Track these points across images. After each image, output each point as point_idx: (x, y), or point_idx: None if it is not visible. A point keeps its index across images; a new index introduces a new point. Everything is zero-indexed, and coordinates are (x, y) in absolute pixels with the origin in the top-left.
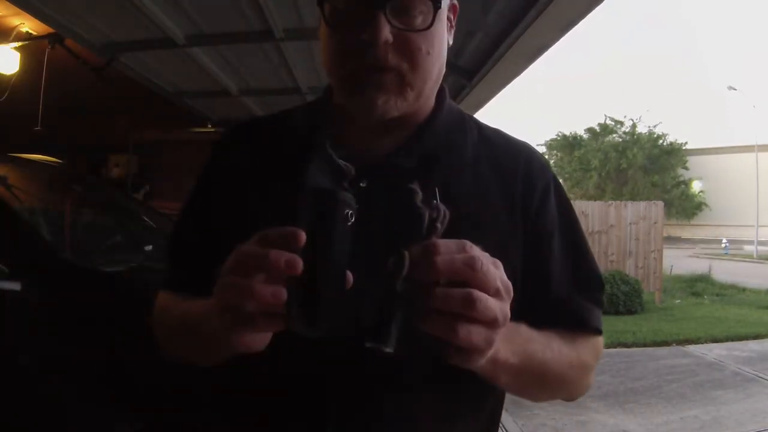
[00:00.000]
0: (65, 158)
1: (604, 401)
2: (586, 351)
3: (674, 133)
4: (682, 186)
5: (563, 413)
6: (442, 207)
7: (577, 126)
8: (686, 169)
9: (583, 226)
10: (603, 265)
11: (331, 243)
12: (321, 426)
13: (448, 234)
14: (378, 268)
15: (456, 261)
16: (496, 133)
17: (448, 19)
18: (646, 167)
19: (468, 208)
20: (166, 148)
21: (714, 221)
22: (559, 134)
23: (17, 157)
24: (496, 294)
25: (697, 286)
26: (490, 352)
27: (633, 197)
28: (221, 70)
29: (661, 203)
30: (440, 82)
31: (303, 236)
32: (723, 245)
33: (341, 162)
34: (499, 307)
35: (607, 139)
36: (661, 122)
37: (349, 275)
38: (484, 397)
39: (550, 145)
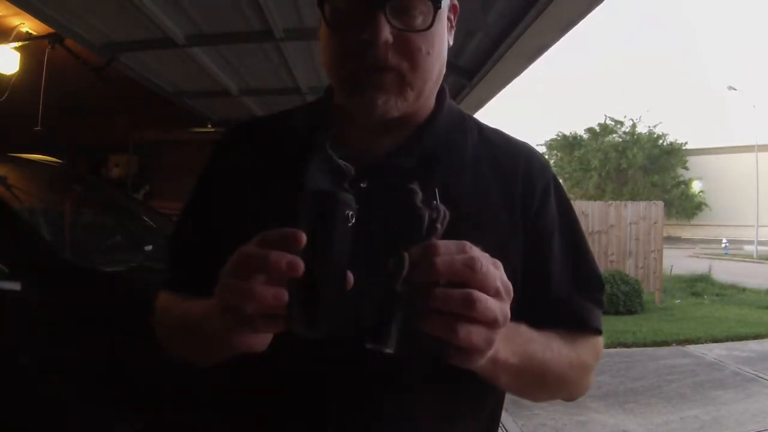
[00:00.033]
0: (65, 158)
1: (604, 401)
2: (586, 351)
3: (674, 133)
4: (682, 186)
5: (563, 413)
6: (442, 207)
7: (577, 126)
8: (686, 169)
9: (583, 226)
10: (603, 265)
11: (332, 244)
12: (321, 426)
13: (448, 234)
14: (378, 269)
15: (456, 262)
16: (497, 133)
17: (449, 19)
18: (646, 167)
19: (468, 209)
20: (166, 148)
21: (714, 221)
22: (559, 134)
23: (17, 157)
24: (496, 294)
25: (697, 286)
26: (490, 353)
27: (633, 197)
28: (221, 70)
29: (661, 203)
30: (440, 82)
31: (304, 238)
32: (723, 245)
33: (341, 162)
34: (499, 307)
35: (607, 139)
36: (661, 122)
37: (350, 276)
38: (484, 397)
39: (550, 145)
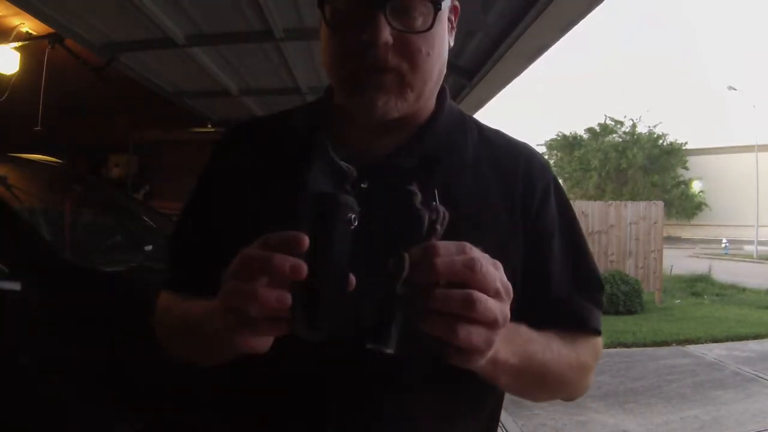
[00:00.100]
0: (65, 158)
1: (604, 401)
2: (585, 351)
3: (674, 133)
4: (682, 186)
5: (563, 413)
6: (442, 209)
7: (577, 126)
8: (686, 169)
9: (583, 226)
10: (603, 265)
11: (334, 246)
12: (321, 426)
13: (448, 234)
14: (378, 269)
15: (456, 263)
16: (497, 133)
17: (449, 20)
18: (646, 167)
19: (468, 209)
20: (166, 148)
21: (714, 221)
22: (559, 134)
23: (17, 157)
24: (495, 295)
25: (697, 286)
26: (490, 353)
27: (633, 197)
28: (221, 70)
29: (661, 203)
30: (441, 82)
31: (306, 240)
32: (723, 245)
33: (343, 164)
34: (499, 307)
35: (607, 139)
36: (661, 122)
37: (352, 278)
38: (484, 397)
39: (550, 145)
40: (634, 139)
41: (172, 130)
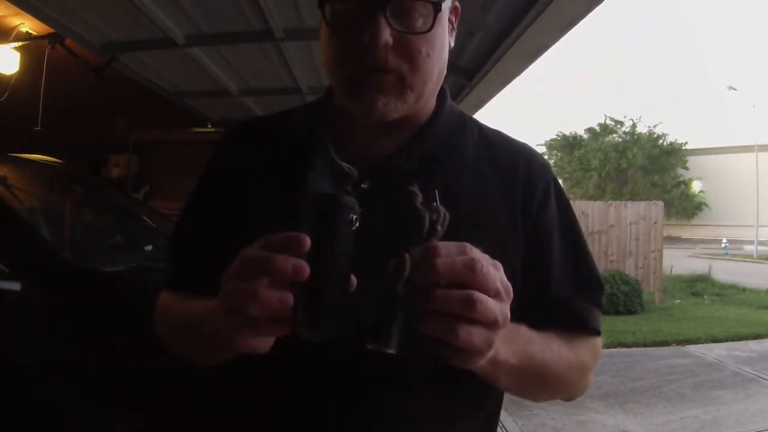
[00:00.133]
0: (65, 158)
1: (604, 401)
2: (585, 352)
3: (674, 133)
4: (682, 186)
5: (563, 413)
6: (442, 209)
7: (577, 126)
8: (686, 169)
9: (583, 226)
10: (603, 265)
11: (335, 247)
12: (321, 426)
13: (448, 235)
14: (378, 270)
15: (456, 263)
16: (497, 134)
17: (450, 21)
18: (646, 167)
19: (468, 209)
20: (166, 148)
21: (714, 221)
22: (559, 134)
23: (17, 157)
24: (496, 295)
25: (697, 286)
26: (490, 353)
27: (633, 197)
28: (221, 70)
29: (661, 203)
30: (441, 83)
31: (308, 241)
32: (723, 245)
33: (344, 165)
34: (499, 308)
35: (607, 139)
36: (661, 122)
37: (353, 279)
38: (483, 397)
39: (550, 145)
40: (634, 139)
41: (172, 130)
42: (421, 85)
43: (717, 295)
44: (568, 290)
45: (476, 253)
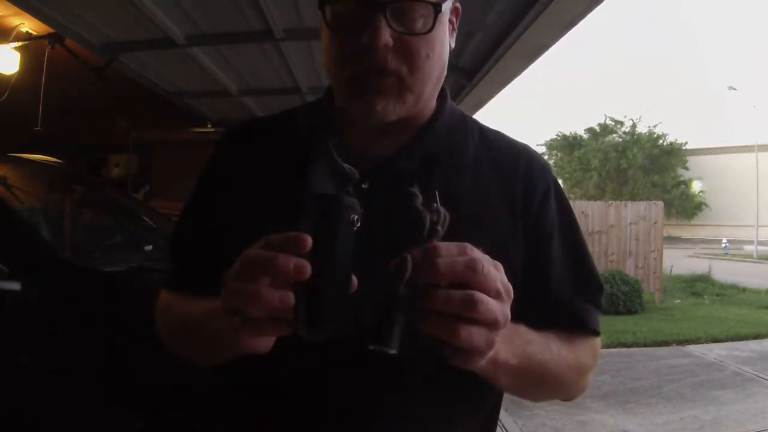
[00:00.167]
0: (65, 158)
1: (604, 401)
2: (584, 352)
3: (674, 133)
4: (682, 186)
5: (563, 413)
6: (443, 210)
7: (577, 126)
8: (686, 169)
9: (583, 226)
10: (603, 265)
11: (336, 247)
12: (321, 426)
13: (448, 235)
14: (378, 270)
15: (457, 263)
16: (497, 134)
17: (450, 22)
18: (646, 167)
19: (469, 210)
20: (166, 148)
21: (714, 221)
22: (559, 134)
23: (17, 157)
24: (496, 296)
25: (697, 286)
26: (491, 353)
27: (633, 197)
28: (221, 70)
29: (661, 203)
30: (441, 84)
31: (309, 241)
32: (723, 245)
33: (346, 166)
34: (500, 308)
35: (607, 139)
36: (661, 122)
37: (354, 279)
38: (483, 397)
39: (550, 145)
40: (634, 139)
41: (172, 130)
42: (420, 87)
43: (717, 295)
44: (568, 291)
45: (477, 253)
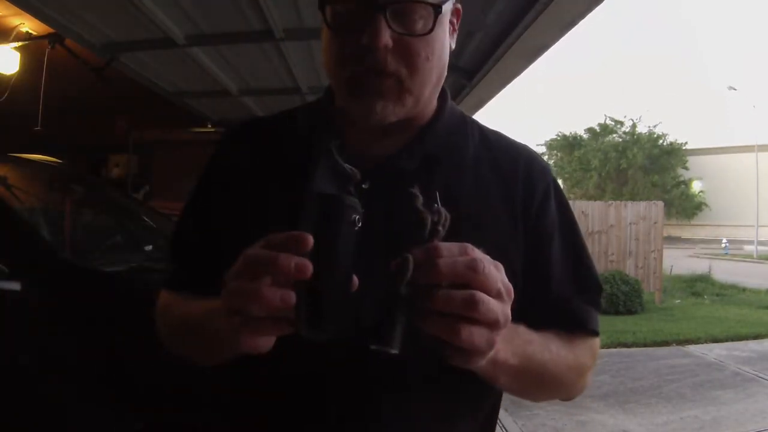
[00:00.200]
0: (65, 158)
1: (604, 401)
2: (583, 352)
3: (674, 133)
4: (682, 186)
5: (563, 413)
6: (443, 210)
7: (577, 126)
8: (686, 169)
9: (583, 226)
10: (603, 265)
11: (338, 247)
12: (320, 426)
13: (449, 235)
14: (378, 270)
15: (458, 264)
16: (497, 135)
17: (451, 23)
18: (646, 167)
19: (469, 210)
20: (166, 148)
21: (714, 221)
22: (559, 134)
23: (17, 157)
24: (497, 296)
25: (697, 286)
26: (491, 353)
27: (633, 197)
28: (221, 70)
29: (661, 203)
30: (441, 85)
31: (310, 240)
32: (723, 245)
33: (347, 166)
34: (501, 308)
35: (607, 139)
36: (661, 122)
37: (355, 279)
38: (482, 397)
39: (550, 145)
40: (634, 139)
41: (172, 130)
42: (419, 89)
43: (717, 295)
44: (568, 291)
45: (478, 253)
